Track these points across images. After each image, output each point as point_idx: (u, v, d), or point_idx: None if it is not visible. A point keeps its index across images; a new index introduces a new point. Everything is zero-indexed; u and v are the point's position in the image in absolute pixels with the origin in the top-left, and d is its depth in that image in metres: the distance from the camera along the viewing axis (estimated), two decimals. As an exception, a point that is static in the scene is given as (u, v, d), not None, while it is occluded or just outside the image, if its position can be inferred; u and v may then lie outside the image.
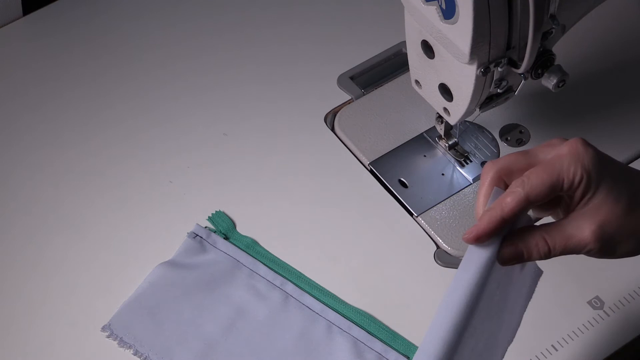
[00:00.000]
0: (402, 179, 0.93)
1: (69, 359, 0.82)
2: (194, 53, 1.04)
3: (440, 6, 0.76)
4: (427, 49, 0.83)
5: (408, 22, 0.83)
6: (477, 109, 0.85)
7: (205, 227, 0.89)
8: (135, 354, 0.82)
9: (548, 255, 0.66)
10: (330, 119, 0.98)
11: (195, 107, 0.99)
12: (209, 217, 0.90)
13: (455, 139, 0.94)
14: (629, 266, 0.85)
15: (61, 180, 0.94)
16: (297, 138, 0.96)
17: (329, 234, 0.89)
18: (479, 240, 0.64)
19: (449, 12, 0.76)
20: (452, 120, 0.87)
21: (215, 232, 0.89)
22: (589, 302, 0.85)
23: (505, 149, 0.95)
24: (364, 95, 1.00)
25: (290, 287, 0.85)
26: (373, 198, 0.92)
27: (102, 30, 1.06)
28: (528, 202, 0.64)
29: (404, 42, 0.86)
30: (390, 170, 0.94)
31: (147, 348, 0.82)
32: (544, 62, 0.81)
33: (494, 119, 0.96)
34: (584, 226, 0.65)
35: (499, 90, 0.84)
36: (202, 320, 0.83)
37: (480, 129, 0.96)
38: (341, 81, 1.01)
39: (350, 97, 1.00)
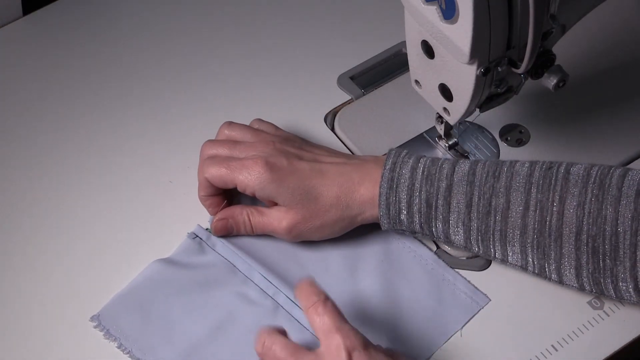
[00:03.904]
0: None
1: (69, 357, 0.83)
2: (194, 53, 1.04)
3: (440, 6, 0.76)
4: (427, 49, 0.83)
5: (408, 22, 0.83)
6: (477, 109, 0.85)
7: (207, 228, 0.89)
8: (119, 347, 0.82)
9: (251, 233, 0.87)
10: (330, 119, 0.98)
11: (195, 107, 0.99)
12: (209, 220, 0.90)
13: (455, 139, 0.94)
14: (629, 266, 0.86)
15: (61, 179, 0.94)
16: (297, 138, 0.96)
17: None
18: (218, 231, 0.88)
19: (449, 12, 0.76)
20: (452, 120, 0.87)
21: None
22: (589, 302, 0.85)
23: (505, 149, 0.95)
24: (364, 95, 1.00)
25: (281, 298, 0.85)
26: (373, 198, 0.92)
27: (102, 30, 1.06)
28: (207, 181, 0.86)
29: (404, 42, 0.86)
30: (390, 170, 0.94)
31: (131, 343, 0.82)
32: (544, 62, 0.81)
33: (494, 119, 0.96)
34: (282, 221, 0.85)
35: (499, 90, 0.84)
36: (190, 321, 0.83)
37: (480, 129, 0.96)
38: (341, 81, 1.01)
39: (350, 97, 1.00)
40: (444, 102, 0.86)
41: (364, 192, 0.84)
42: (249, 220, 0.87)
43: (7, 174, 0.94)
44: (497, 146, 0.95)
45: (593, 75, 1.00)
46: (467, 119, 0.93)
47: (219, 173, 0.85)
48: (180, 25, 1.07)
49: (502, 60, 0.79)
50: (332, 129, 0.97)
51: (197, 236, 0.88)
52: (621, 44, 1.03)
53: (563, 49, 0.84)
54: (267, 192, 0.84)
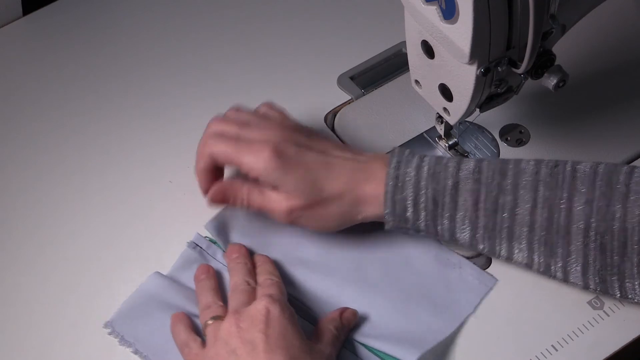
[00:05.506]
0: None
1: (69, 358, 0.83)
2: (194, 53, 1.04)
3: (440, 6, 0.76)
4: (427, 49, 0.83)
5: (408, 22, 0.83)
6: (477, 109, 0.85)
7: (206, 237, 0.89)
8: (135, 353, 0.82)
9: (245, 209, 0.87)
10: (330, 119, 0.98)
11: (195, 107, 0.99)
12: (206, 227, 0.89)
13: (456, 139, 0.94)
14: (629, 266, 0.86)
15: (60, 179, 0.94)
16: (297, 138, 0.96)
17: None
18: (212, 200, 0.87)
19: (449, 12, 0.76)
20: (452, 120, 0.87)
21: (215, 243, 0.88)
22: (589, 302, 0.85)
23: (505, 149, 0.95)
24: (364, 95, 1.00)
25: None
26: (373, 198, 0.92)
27: (102, 30, 1.06)
28: (210, 156, 0.85)
29: (404, 42, 0.86)
30: (390, 170, 0.94)
31: (146, 348, 0.82)
32: (544, 62, 0.81)
33: (494, 119, 0.96)
34: (282, 203, 0.83)
35: (499, 91, 0.84)
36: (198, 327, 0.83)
37: (480, 129, 0.96)
38: (341, 81, 1.01)
39: (350, 97, 1.00)
40: (444, 102, 0.86)
41: (368, 190, 0.84)
42: (248, 195, 0.86)
43: (7, 173, 0.94)
44: (497, 146, 0.95)
45: (593, 75, 1.00)
46: (467, 119, 0.93)
47: (225, 150, 0.84)
48: (180, 25, 1.07)
49: (502, 60, 0.79)
50: (332, 129, 0.97)
51: (197, 245, 0.88)
52: (621, 44, 1.03)
53: (563, 49, 0.84)
54: (271, 178, 0.83)
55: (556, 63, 0.82)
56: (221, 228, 0.89)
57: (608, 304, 0.85)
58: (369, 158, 0.86)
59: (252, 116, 0.88)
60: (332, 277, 0.86)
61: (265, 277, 0.83)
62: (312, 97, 1.00)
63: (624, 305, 0.85)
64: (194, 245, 0.88)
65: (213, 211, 0.90)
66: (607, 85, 1.00)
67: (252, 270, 0.84)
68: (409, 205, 0.83)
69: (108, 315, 0.84)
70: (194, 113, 0.99)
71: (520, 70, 0.80)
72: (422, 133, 0.96)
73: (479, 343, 0.84)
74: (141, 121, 0.98)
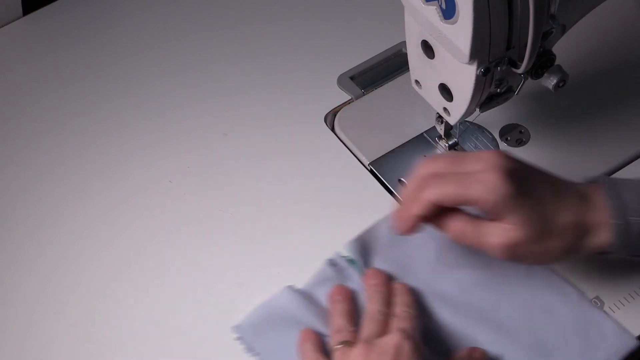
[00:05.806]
0: (402, 179, 0.93)
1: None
2: (194, 53, 1.04)
3: (440, 6, 0.76)
4: (427, 49, 0.83)
5: (408, 22, 0.83)
6: (477, 109, 0.85)
7: (345, 257, 0.86)
8: None
9: (459, 241, 0.78)
10: (330, 119, 0.98)
11: (195, 107, 0.99)
12: (346, 246, 0.86)
13: (456, 139, 0.94)
14: (629, 266, 0.85)
15: (60, 178, 0.94)
16: (297, 138, 0.96)
17: (330, 234, 0.89)
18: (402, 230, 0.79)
19: (449, 12, 0.76)
20: (452, 120, 0.87)
21: (353, 262, 0.86)
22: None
23: (505, 149, 0.95)
24: (364, 95, 1.00)
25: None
26: (373, 198, 0.92)
27: (102, 30, 1.06)
28: (430, 202, 0.76)
29: (404, 42, 0.86)
30: (390, 170, 0.94)
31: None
32: (544, 62, 0.81)
33: (494, 119, 0.96)
34: (500, 238, 0.75)
35: (499, 90, 0.84)
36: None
37: (480, 129, 0.96)
38: (341, 81, 1.01)
39: (350, 97, 1.00)
40: (444, 102, 0.86)
41: (593, 219, 0.77)
42: (463, 227, 0.77)
43: (7, 173, 0.94)
44: (497, 146, 0.95)
45: (593, 75, 1.00)
46: (467, 119, 0.93)
47: (448, 191, 0.76)
48: (180, 25, 1.07)
49: (502, 60, 0.79)
50: (332, 129, 0.97)
51: (335, 264, 0.85)
52: (621, 44, 1.04)
53: (563, 49, 0.84)
54: (504, 208, 0.75)
55: (556, 63, 0.82)
56: (363, 250, 0.86)
57: (608, 304, 0.85)
58: (579, 184, 0.79)
59: (455, 151, 0.81)
60: (469, 314, 0.83)
61: (401, 309, 0.80)
62: (312, 97, 1.00)
63: (624, 305, 0.85)
64: (331, 263, 0.86)
65: (212, 210, 0.90)
66: (607, 85, 1.00)
67: (389, 299, 0.81)
68: (637, 232, 0.77)
69: (108, 315, 0.84)
70: (194, 113, 0.99)
71: (520, 70, 0.80)
72: (422, 133, 0.96)
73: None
74: (141, 121, 0.98)
